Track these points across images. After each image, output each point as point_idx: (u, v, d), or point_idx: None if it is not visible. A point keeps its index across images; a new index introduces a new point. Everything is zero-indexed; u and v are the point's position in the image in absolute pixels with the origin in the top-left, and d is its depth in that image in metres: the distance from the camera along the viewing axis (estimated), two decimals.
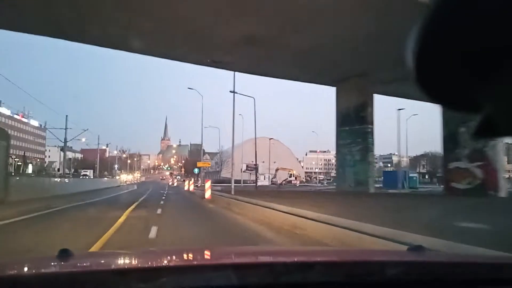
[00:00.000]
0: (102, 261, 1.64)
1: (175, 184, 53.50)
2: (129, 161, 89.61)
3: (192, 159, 71.01)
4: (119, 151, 77.36)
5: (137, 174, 68.98)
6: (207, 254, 1.76)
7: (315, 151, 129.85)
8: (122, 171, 78.39)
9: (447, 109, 0.58)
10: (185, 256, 1.69)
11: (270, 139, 59.39)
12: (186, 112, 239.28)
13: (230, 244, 6.52)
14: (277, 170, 62.57)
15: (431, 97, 0.55)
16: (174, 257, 1.61)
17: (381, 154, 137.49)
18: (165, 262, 1.49)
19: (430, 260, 1.47)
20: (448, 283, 1.17)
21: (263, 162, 65.73)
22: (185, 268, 1.27)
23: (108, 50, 32.14)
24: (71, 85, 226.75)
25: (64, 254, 1.31)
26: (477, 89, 0.52)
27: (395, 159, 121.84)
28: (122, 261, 1.59)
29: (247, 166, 60.23)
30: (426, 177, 77.73)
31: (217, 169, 63.72)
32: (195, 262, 1.53)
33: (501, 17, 0.44)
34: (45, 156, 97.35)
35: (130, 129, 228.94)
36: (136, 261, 1.60)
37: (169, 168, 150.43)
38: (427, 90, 0.55)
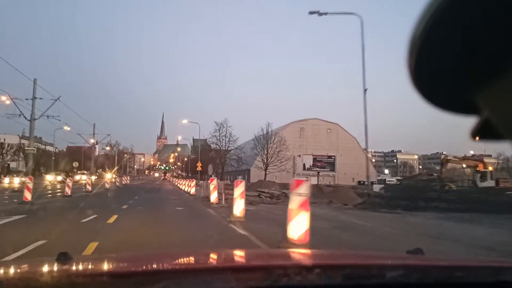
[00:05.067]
0: (102, 265, 1.51)
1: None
2: (116, 157, 69.29)
3: (206, 155, 48.70)
4: (107, 144, 57.22)
5: (110, 175, 45.30)
6: (206, 257, 1.74)
7: None
8: (108, 170, 56.58)
9: (444, 112, 0.56)
10: (184, 259, 1.72)
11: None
12: (184, 108, 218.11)
13: None
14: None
15: (428, 99, 0.54)
16: (173, 260, 1.64)
17: (425, 153, 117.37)
18: (164, 265, 1.49)
19: (430, 263, 1.48)
20: (448, 286, 1.16)
21: (317, 158, 44.73)
22: (184, 272, 1.28)
23: None
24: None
25: (63, 257, 1.30)
26: (476, 92, 0.51)
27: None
28: (122, 265, 1.55)
29: (314, 158, 38.32)
30: None
31: (248, 167, 40.87)
32: (194, 266, 1.52)
33: (500, 20, 0.43)
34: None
35: (124, 127, 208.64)
36: (135, 265, 1.52)
37: (167, 168, 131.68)
38: (424, 92, 0.54)
